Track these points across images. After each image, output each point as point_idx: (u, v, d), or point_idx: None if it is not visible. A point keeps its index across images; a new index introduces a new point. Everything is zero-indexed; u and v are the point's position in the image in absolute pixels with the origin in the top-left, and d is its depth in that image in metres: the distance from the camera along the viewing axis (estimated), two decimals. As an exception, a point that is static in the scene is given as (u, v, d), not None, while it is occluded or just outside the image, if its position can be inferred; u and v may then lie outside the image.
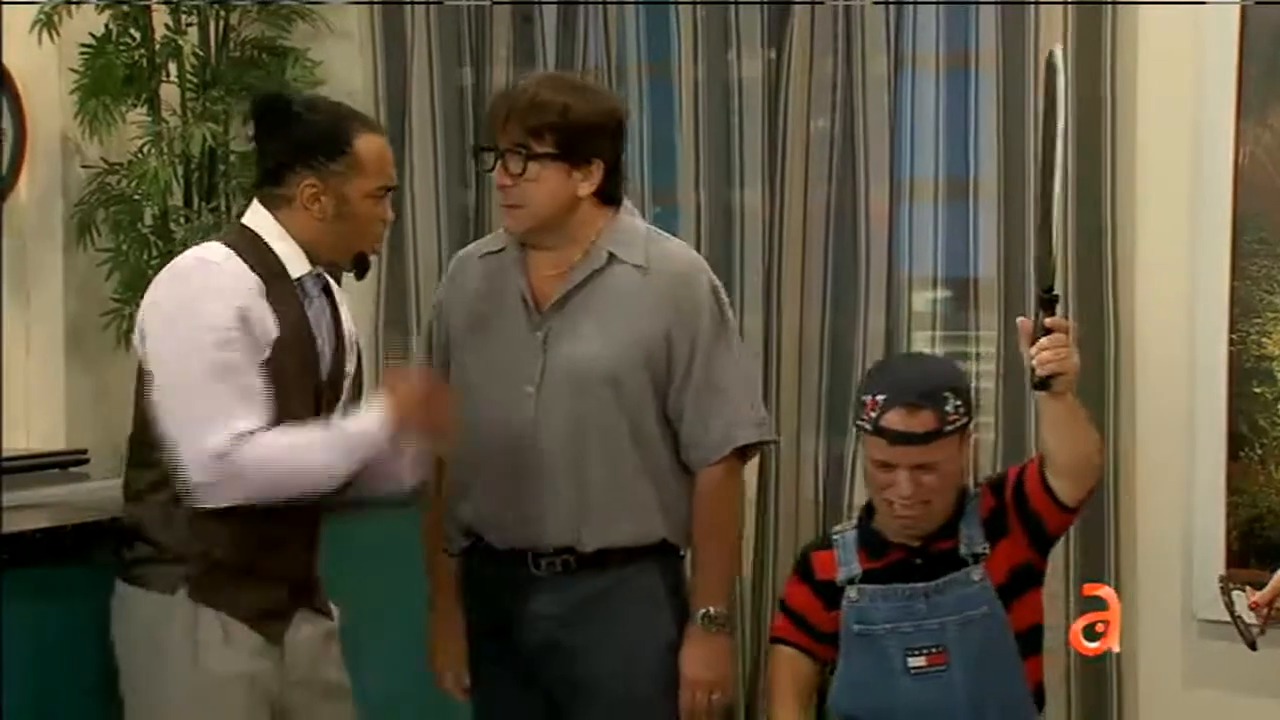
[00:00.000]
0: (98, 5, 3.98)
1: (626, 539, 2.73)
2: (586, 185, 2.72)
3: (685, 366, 2.74)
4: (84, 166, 4.13)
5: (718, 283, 2.82)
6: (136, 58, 4.01)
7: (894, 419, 2.73)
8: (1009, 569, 2.76)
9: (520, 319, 2.77)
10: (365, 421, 2.58)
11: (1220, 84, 3.41)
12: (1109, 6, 3.50)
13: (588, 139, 2.71)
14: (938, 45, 3.73)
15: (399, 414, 2.58)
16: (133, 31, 4.01)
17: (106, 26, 4.01)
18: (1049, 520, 2.77)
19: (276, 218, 2.64)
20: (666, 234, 2.90)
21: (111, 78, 3.98)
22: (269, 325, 2.56)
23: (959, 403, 2.75)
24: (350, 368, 2.77)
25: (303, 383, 2.63)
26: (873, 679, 2.81)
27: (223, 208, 4.02)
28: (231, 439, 2.50)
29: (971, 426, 2.82)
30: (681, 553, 2.82)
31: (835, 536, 2.92)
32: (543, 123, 2.69)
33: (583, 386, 2.72)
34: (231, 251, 2.60)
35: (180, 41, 4.02)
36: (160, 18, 4.03)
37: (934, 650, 2.77)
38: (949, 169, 3.73)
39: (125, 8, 4.00)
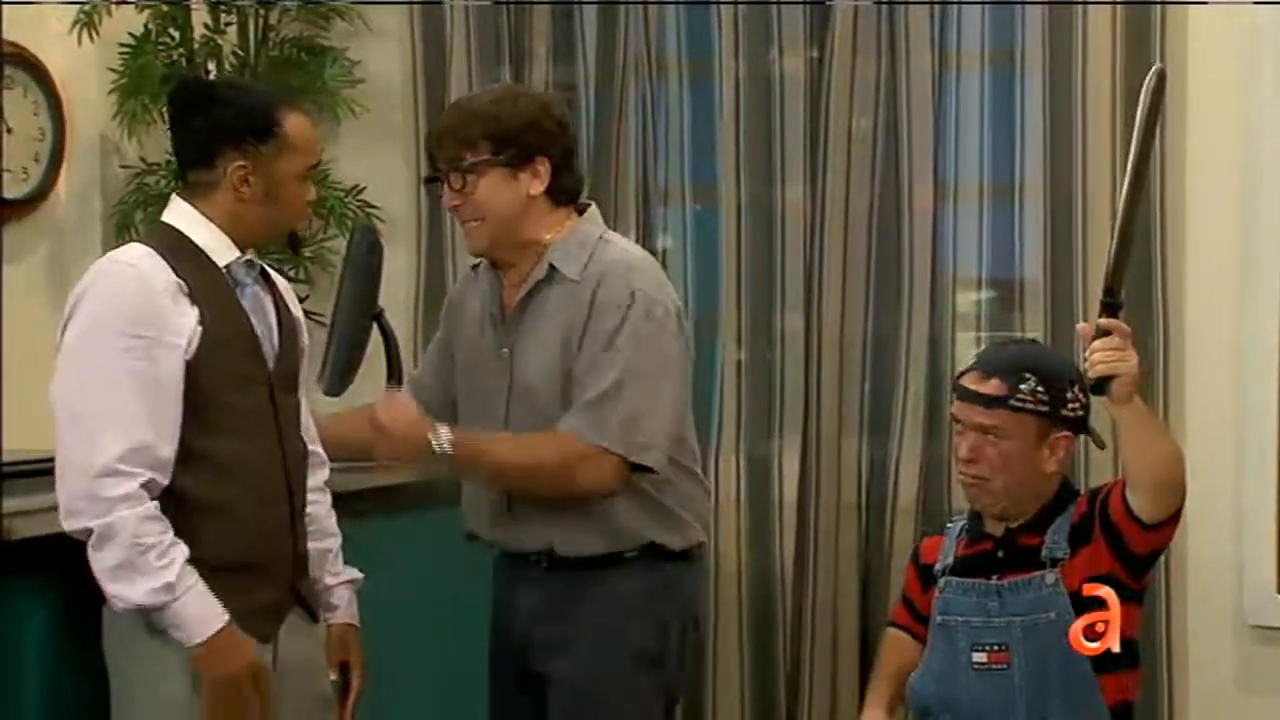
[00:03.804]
0: (137, 5, 3.97)
1: (599, 547, 2.72)
2: (536, 184, 2.71)
3: (580, 360, 2.69)
4: (123, 166, 4.12)
5: (650, 296, 2.68)
6: (175, 57, 3.99)
7: (968, 379, 2.82)
8: (1086, 578, 2.72)
9: (491, 334, 2.79)
10: (193, 624, 2.43)
11: (1271, 81, 3.38)
12: (1158, 6, 3.46)
13: (523, 138, 2.70)
14: (983, 43, 3.72)
15: (215, 654, 2.45)
16: (172, 31, 4.00)
17: (146, 26, 4.00)
18: (1130, 536, 2.71)
19: (199, 206, 2.57)
20: (624, 241, 2.83)
21: (150, 77, 3.97)
22: (187, 324, 2.48)
23: (1040, 387, 2.75)
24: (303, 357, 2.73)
25: (248, 375, 2.57)
26: (944, 670, 2.82)
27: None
28: (117, 463, 2.40)
29: (1065, 431, 2.77)
30: (681, 553, 2.77)
31: (949, 525, 2.98)
32: (474, 132, 2.70)
33: (533, 403, 2.72)
34: (149, 250, 2.53)
35: (219, 41, 4.00)
36: (199, 17, 4.01)
37: (996, 648, 2.76)
38: (994, 168, 3.72)
39: (164, 7, 3.98)
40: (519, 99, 2.78)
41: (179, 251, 2.54)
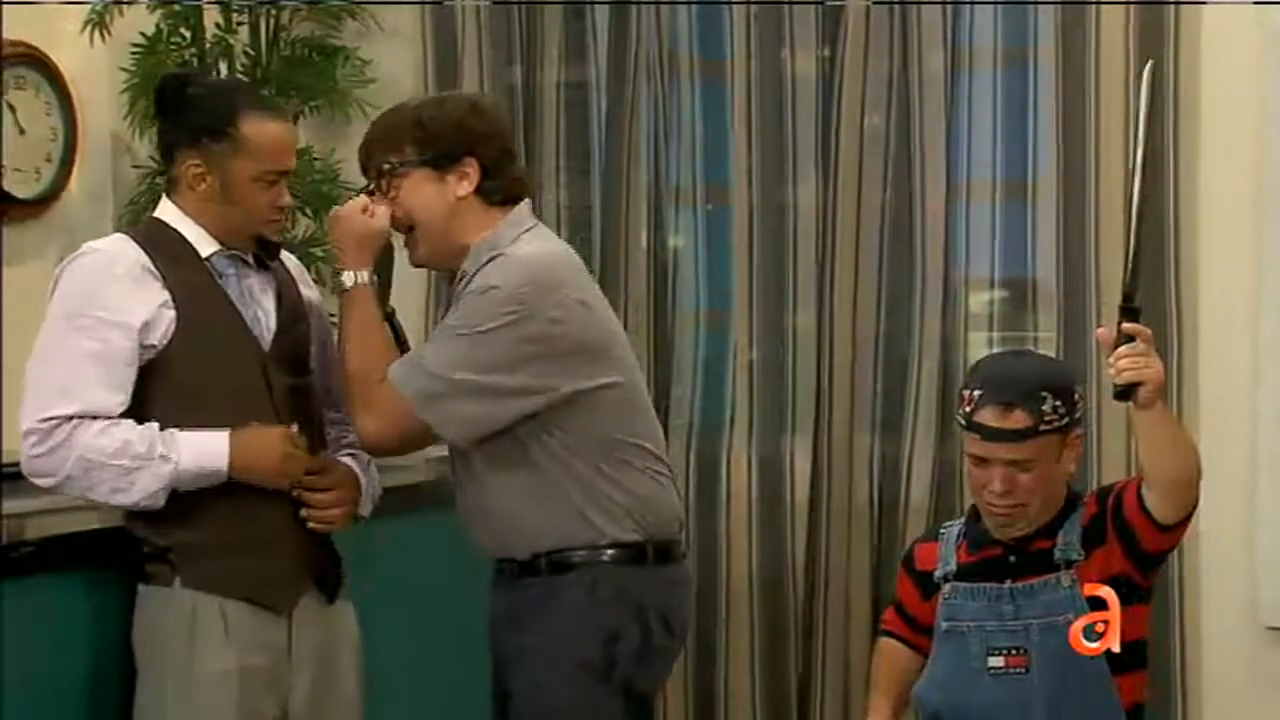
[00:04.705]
0: (149, 5, 3.98)
1: (548, 544, 2.66)
2: (464, 185, 2.67)
3: None
4: (134, 166, 4.13)
5: (508, 292, 2.58)
6: (187, 57, 4.00)
7: (987, 415, 2.70)
8: (1101, 579, 2.71)
9: None
10: (206, 459, 2.53)
11: (1285, 81, 3.36)
12: (1171, 5, 3.45)
13: (449, 139, 2.66)
14: (995, 42, 3.70)
15: (245, 464, 2.55)
16: (183, 31, 4.00)
17: (157, 26, 4.01)
18: (1144, 536, 2.70)
19: (176, 201, 2.63)
20: (539, 240, 2.70)
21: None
22: (146, 307, 2.54)
23: (1058, 403, 2.70)
24: (317, 344, 2.74)
25: (235, 356, 2.61)
26: (954, 676, 2.79)
27: (272, 207, 4.00)
28: (38, 422, 2.50)
29: (1078, 430, 2.76)
30: (637, 552, 2.68)
31: (942, 531, 2.92)
32: (400, 137, 2.67)
33: None
34: (125, 237, 2.63)
35: (231, 41, 4.01)
36: (211, 17, 4.02)
37: (1014, 652, 2.74)
38: (1006, 168, 3.70)
39: (176, 7, 3.99)
40: (446, 101, 2.75)
41: (156, 240, 2.61)
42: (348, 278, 2.66)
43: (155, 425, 2.53)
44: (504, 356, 2.59)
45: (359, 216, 2.67)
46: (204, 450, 2.53)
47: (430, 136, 2.66)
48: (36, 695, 2.56)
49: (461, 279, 2.66)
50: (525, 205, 2.73)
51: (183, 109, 2.62)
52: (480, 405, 2.61)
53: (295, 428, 2.62)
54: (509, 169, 2.72)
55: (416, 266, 2.77)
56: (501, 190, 2.69)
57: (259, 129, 2.59)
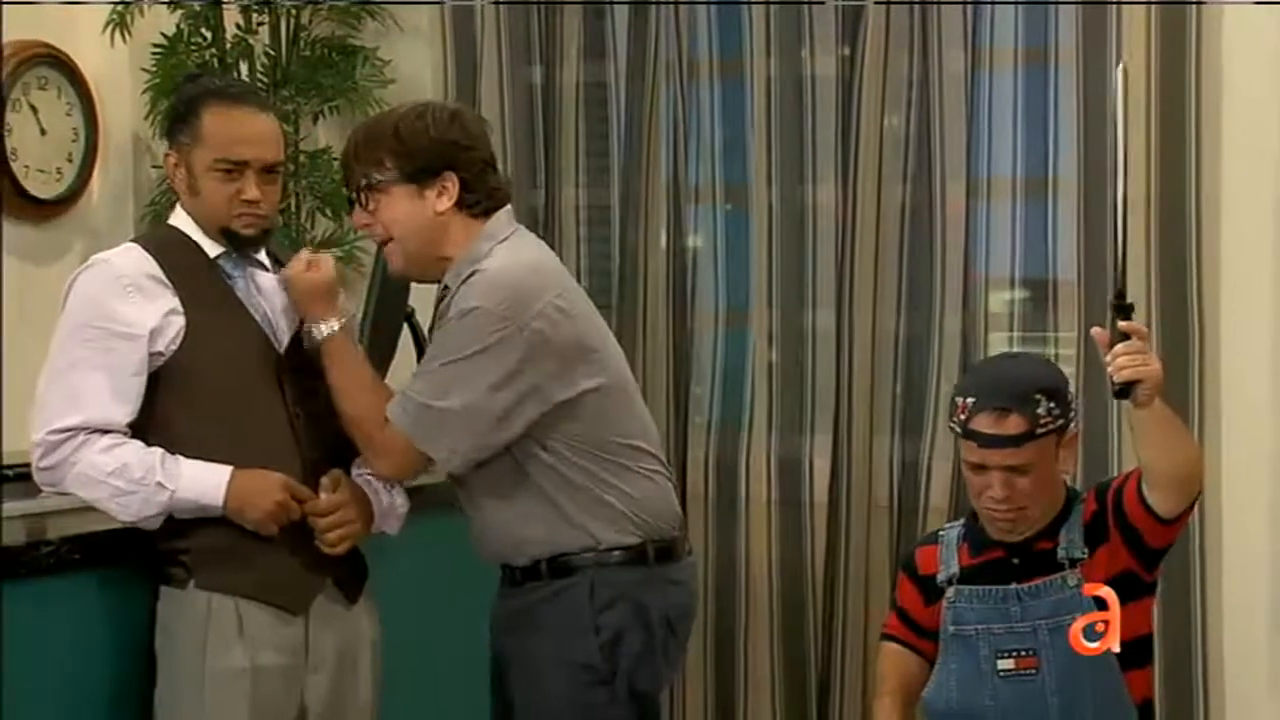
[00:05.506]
0: (169, 5, 3.99)
1: (546, 553, 2.66)
2: (444, 200, 2.65)
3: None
4: (155, 167, 4.14)
5: (489, 312, 2.57)
6: (208, 57, 4.02)
7: (983, 422, 2.69)
8: (1107, 577, 2.70)
9: None
10: (203, 492, 2.54)
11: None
12: (1193, 5, 3.44)
13: (428, 153, 2.65)
14: (1016, 41, 3.70)
15: (238, 505, 2.55)
16: (204, 31, 4.02)
17: (178, 26, 4.03)
18: (1146, 532, 2.70)
19: (181, 204, 2.66)
20: (515, 249, 2.67)
21: (183, 78, 3.99)
22: (152, 316, 2.56)
23: (1052, 405, 2.69)
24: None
25: (247, 357, 2.62)
26: (964, 680, 2.78)
27: (292, 208, 4.01)
28: (47, 435, 2.54)
29: (1072, 429, 2.75)
30: (637, 554, 2.67)
31: (941, 533, 2.90)
32: (379, 151, 2.66)
33: None
34: (135, 245, 2.64)
35: (251, 41, 4.02)
36: (231, 17, 4.03)
37: (1024, 654, 2.73)
38: (1027, 167, 3.70)
39: (196, 7, 4.00)
40: (426, 113, 2.70)
41: (165, 246, 2.63)
42: (318, 331, 2.65)
43: (159, 451, 2.54)
44: (494, 376, 2.58)
45: (304, 275, 2.66)
46: (203, 482, 2.55)
47: (409, 151, 2.64)
48: (57, 693, 2.57)
49: (444, 294, 2.66)
50: (505, 213, 2.72)
51: (171, 106, 2.68)
52: (478, 428, 2.60)
53: (326, 480, 2.62)
54: (489, 179, 2.70)
55: (396, 277, 2.75)
56: (482, 201, 2.69)
57: (215, 117, 2.60)
